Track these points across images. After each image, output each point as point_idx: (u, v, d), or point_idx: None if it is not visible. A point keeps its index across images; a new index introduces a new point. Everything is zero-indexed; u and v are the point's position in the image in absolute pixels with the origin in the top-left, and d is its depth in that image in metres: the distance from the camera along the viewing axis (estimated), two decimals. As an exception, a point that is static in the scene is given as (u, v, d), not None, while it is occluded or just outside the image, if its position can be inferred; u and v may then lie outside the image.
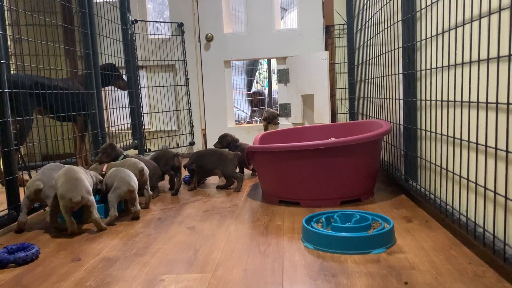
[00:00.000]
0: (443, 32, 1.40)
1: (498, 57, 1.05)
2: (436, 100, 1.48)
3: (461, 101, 1.27)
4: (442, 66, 1.42)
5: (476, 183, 1.21)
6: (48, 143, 2.72)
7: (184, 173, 2.52)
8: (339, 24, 3.24)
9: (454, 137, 1.34)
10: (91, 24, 2.39)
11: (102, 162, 2.03)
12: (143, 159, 2.14)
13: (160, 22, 3.78)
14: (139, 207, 1.73)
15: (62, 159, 2.62)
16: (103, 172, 1.91)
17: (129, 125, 3.06)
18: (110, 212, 1.63)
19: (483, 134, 1.16)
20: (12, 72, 2.40)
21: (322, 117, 3.12)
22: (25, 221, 1.61)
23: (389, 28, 1.97)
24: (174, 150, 2.43)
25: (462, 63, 1.26)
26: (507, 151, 1.02)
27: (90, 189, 1.58)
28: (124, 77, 2.97)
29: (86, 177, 1.61)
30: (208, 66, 3.46)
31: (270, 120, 3.29)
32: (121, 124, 2.89)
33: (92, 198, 1.56)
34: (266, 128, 3.31)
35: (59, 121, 2.54)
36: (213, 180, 2.42)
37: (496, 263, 1.06)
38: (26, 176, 2.29)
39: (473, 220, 1.21)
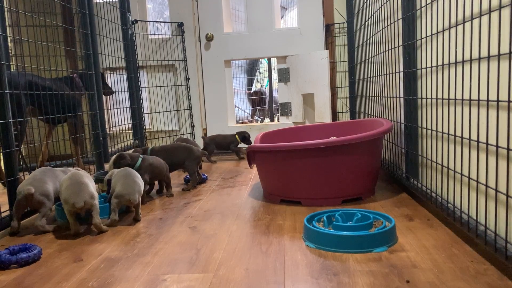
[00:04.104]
0: (443, 30, 1.40)
1: (499, 54, 1.05)
2: (436, 98, 1.48)
3: (462, 99, 1.27)
4: (443, 64, 1.42)
5: (477, 181, 1.21)
6: (49, 144, 2.73)
7: (185, 173, 2.53)
8: (339, 23, 3.24)
9: (455, 135, 1.34)
10: (91, 25, 2.39)
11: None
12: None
13: (160, 22, 3.79)
14: (140, 215, 1.71)
15: (63, 159, 2.63)
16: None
17: (130, 125, 3.06)
18: (111, 216, 1.62)
19: (484, 132, 1.16)
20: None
21: (323, 116, 3.12)
22: (17, 226, 1.59)
23: (389, 27, 1.97)
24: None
25: (463, 61, 1.25)
26: (508, 149, 1.02)
27: (95, 193, 1.56)
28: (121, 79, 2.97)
29: (91, 182, 1.60)
30: (208, 66, 3.46)
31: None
32: (122, 124, 2.89)
33: (96, 202, 1.54)
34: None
35: (47, 123, 2.55)
36: (214, 180, 2.43)
37: (498, 260, 1.06)
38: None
39: (475, 218, 1.21)
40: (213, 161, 3.07)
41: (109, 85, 2.86)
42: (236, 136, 3.08)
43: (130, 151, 2.09)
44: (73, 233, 1.54)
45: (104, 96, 2.91)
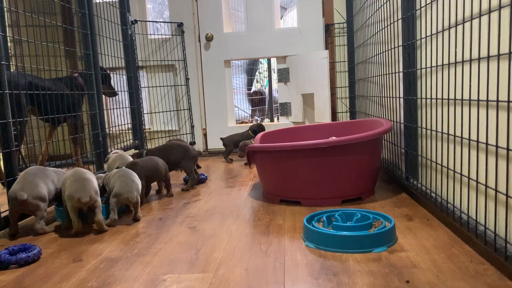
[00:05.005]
0: (443, 30, 1.40)
1: (498, 55, 1.05)
2: (436, 98, 1.48)
3: (462, 99, 1.27)
4: (443, 64, 1.42)
5: (477, 181, 1.21)
6: (49, 144, 2.73)
7: (184, 174, 2.52)
8: (339, 23, 3.24)
9: (454, 135, 1.34)
10: (91, 25, 2.39)
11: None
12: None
13: (160, 22, 3.78)
14: (140, 214, 1.72)
15: (63, 159, 2.63)
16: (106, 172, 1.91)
17: (129, 125, 3.06)
18: (110, 215, 1.62)
19: (484, 132, 1.16)
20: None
21: (323, 116, 3.12)
22: (15, 230, 1.57)
23: (389, 27, 1.97)
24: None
25: (462, 61, 1.25)
26: (508, 149, 1.02)
27: (98, 190, 1.58)
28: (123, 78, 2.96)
29: (94, 178, 1.61)
30: (208, 66, 3.46)
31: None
32: (121, 124, 2.89)
33: (99, 199, 1.56)
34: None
35: (47, 122, 2.56)
36: (214, 180, 2.43)
37: (498, 261, 1.06)
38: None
39: (474, 218, 1.21)
40: (229, 160, 3.10)
41: (113, 86, 2.86)
42: (250, 132, 3.09)
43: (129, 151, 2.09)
44: (75, 231, 1.54)
45: (106, 97, 2.92)
